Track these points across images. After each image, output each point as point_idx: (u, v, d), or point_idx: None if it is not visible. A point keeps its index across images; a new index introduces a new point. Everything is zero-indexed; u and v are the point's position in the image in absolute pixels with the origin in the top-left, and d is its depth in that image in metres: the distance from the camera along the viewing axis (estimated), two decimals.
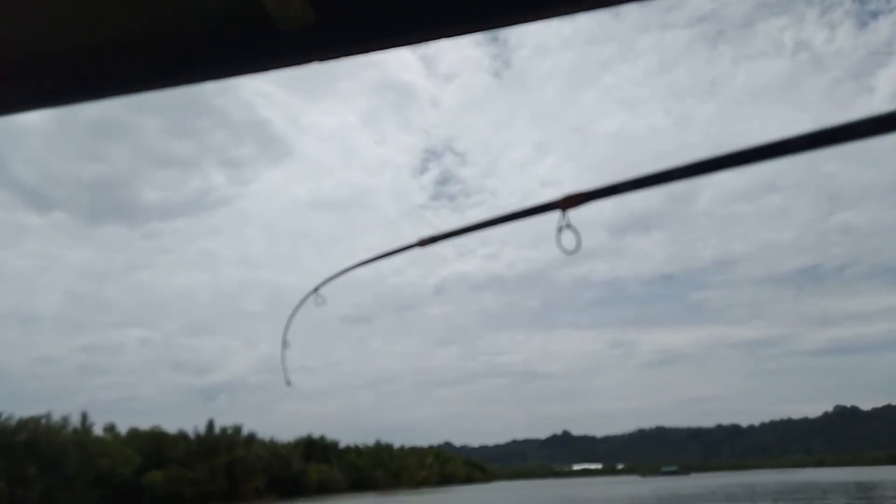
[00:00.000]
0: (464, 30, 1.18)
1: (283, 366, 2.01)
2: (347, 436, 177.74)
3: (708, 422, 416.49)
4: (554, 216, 1.19)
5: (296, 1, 1.14)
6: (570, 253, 1.17)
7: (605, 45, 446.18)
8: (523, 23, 1.16)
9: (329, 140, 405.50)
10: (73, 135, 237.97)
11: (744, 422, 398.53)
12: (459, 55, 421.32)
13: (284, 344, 2.01)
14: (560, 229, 1.17)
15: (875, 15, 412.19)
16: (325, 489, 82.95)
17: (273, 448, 79.07)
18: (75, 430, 61.06)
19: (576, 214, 1.12)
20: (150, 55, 1.31)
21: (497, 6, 1.14)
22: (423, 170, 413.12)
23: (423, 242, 1.50)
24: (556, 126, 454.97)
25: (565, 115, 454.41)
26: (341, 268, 1.87)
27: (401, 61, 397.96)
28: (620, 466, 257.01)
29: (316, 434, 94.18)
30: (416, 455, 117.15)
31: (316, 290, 1.90)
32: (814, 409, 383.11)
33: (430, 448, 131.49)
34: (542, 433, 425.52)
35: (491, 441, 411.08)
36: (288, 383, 2.00)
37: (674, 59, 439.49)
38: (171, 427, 74.00)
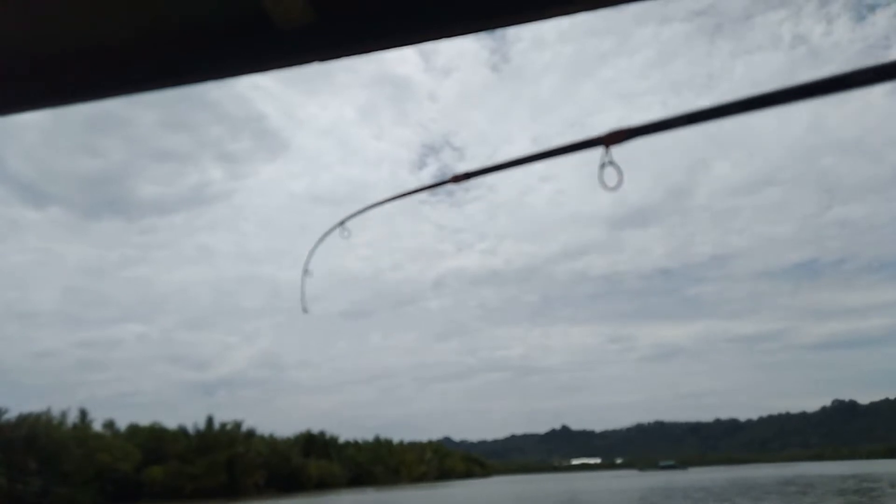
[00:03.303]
0: (464, 30, 1.17)
1: (301, 292, 2.05)
2: (347, 431, 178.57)
3: (706, 416, 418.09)
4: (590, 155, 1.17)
5: (296, 1, 1.14)
6: (611, 189, 1.18)
7: (603, 38, 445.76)
8: (524, 23, 1.16)
9: (326, 134, 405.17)
10: (70, 130, 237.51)
11: (742, 416, 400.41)
12: (457, 49, 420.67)
13: (306, 272, 2.05)
14: (603, 165, 1.17)
15: (872, 8, 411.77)
16: (325, 484, 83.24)
17: (272, 443, 79.36)
18: (74, 426, 61.32)
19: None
20: (150, 55, 1.30)
21: (497, 6, 1.14)
22: (421, 164, 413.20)
23: (458, 178, 1.47)
24: (555, 120, 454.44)
25: (563, 108, 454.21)
26: (370, 202, 1.86)
27: (398, 55, 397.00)
28: (619, 461, 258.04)
29: (315, 430, 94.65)
30: (415, 450, 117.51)
31: (342, 222, 1.90)
32: (812, 403, 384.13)
33: (429, 443, 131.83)
34: (541, 428, 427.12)
35: (490, 436, 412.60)
36: (305, 310, 2.04)
37: (672, 52, 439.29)
38: (170, 423, 74.35)
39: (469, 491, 70.77)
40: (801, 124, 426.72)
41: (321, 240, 1.99)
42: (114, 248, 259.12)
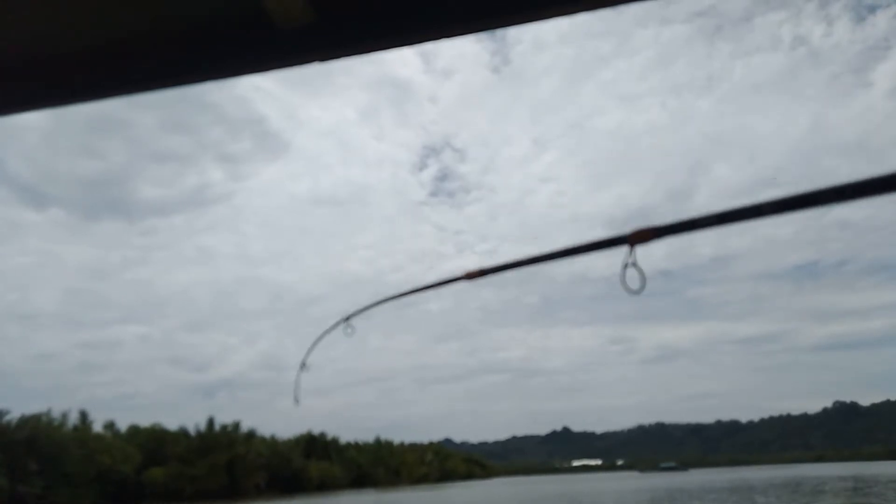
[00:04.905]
0: (464, 30, 1.16)
1: (296, 385, 2.01)
2: (347, 432, 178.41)
3: (707, 418, 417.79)
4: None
5: (296, 1, 1.13)
6: (634, 293, 1.09)
7: (603, 40, 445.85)
8: (524, 23, 1.15)
9: (327, 136, 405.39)
10: (70, 131, 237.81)
11: (743, 417, 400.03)
12: (458, 50, 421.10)
13: (303, 366, 1.99)
14: (626, 266, 1.08)
15: (873, 9, 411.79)
16: (326, 486, 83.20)
17: (273, 445, 79.29)
18: (75, 428, 61.29)
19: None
20: (150, 55, 1.30)
21: (497, 6, 1.13)
22: (422, 166, 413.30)
23: (471, 276, 1.40)
24: (555, 122, 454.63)
25: (564, 110, 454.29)
26: (375, 298, 1.78)
27: (399, 57, 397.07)
28: (620, 462, 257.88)
29: (316, 431, 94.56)
30: (416, 452, 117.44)
31: (347, 319, 1.83)
32: (813, 404, 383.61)
33: (430, 444, 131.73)
34: (542, 429, 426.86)
35: (490, 437, 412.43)
36: (296, 402, 1.98)
37: (672, 54, 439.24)
38: (170, 424, 74.28)
39: (471, 492, 70.71)
40: (801, 126, 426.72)
41: (323, 335, 1.93)
42: (114, 249, 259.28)
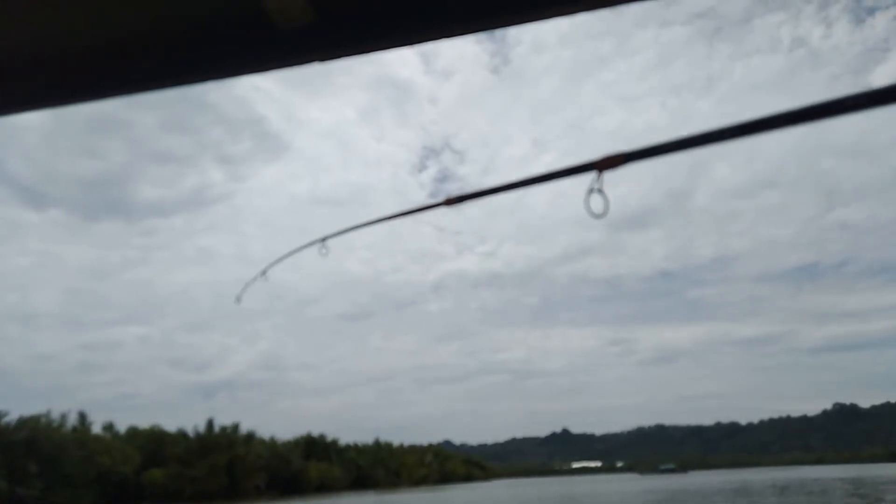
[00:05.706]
0: (464, 30, 1.16)
1: (245, 287, 2.06)
2: (347, 434, 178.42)
3: (707, 419, 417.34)
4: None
5: (296, 1, 1.13)
6: (598, 216, 1.13)
7: (603, 41, 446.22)
8: (524, 23, 1.15)
9: (327, 136, 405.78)
10: (70, 131, 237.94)
11: (743, 419, 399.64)
12: (458, 51, 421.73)
13: (264, 274, 2.02)
14: (591, 191, 1.12)
15: (871, 11, 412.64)
16: (325, 487, 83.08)
17: (273, 446, 79.22)
18: (74, 429, 61.19)
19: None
20: (150, 55, 1.29)
21: (497, 6, 1.13)
22: (421, 167, 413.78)
23: (450, 201, 1.44)
24: (555, 122, 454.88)
25: (563, 111, 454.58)
26: (355, 222, 1.76)
27: (399, 57, 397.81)
28: (620, 464, 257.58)
29: (316, 432, 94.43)
30: (416, 453, 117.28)
31: (324, 239, 1.83)
32: (813, 406, 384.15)
33: (430, 446, 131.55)
34: (542, 431, 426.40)
35: (490, 439, 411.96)
36: (238, 300, 2.07)
37: (672, 55, 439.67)
38: (169, 425, 74.22)
39: (470, 494, 70.61)
40: (801, 126, 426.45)
41: (296, 251, 1.93)
42: (114, 249, 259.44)
